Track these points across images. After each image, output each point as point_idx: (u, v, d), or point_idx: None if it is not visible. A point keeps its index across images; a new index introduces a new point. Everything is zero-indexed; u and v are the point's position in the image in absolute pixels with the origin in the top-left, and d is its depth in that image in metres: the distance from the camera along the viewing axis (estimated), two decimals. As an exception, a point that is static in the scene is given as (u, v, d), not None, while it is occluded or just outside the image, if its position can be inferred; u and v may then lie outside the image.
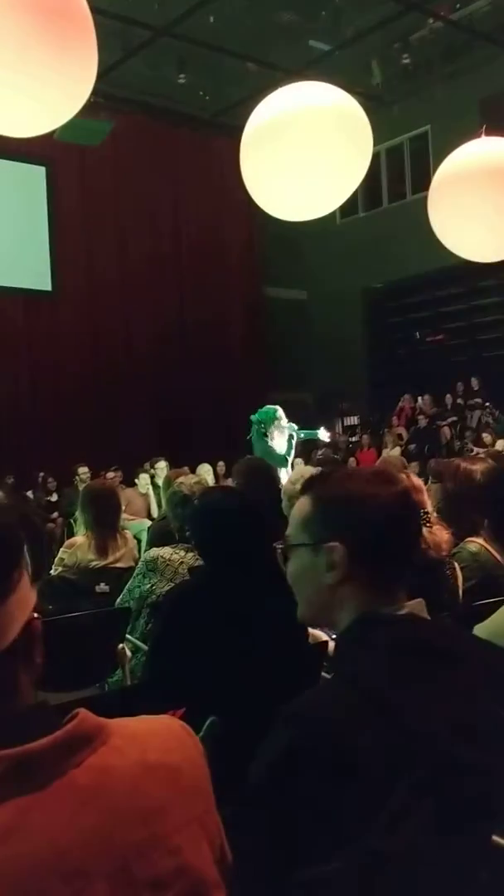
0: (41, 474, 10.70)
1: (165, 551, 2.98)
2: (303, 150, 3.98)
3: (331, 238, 13.19)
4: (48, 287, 12.42)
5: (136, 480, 9.56)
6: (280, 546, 1.34)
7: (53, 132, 3.79)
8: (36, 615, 0.87)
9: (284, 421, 6.15)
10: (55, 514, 9.76)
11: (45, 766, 0.80)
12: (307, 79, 4.51)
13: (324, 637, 2.39)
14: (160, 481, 9.31)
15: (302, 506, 1.27)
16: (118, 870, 0.80)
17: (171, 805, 0.86)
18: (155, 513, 8.70)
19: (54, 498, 10.40)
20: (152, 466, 9.60)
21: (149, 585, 2.98)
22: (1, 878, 0.75)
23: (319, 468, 2.18)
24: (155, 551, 3.03)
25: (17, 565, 0.84)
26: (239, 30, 10.64)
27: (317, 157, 4.00)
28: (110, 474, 9.85)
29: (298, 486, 1.39)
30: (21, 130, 3.66)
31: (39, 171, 12.24)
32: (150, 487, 9.46)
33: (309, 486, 1.28)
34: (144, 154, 12.85)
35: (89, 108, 3.64)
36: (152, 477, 9.42)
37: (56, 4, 3.24)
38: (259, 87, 5.77)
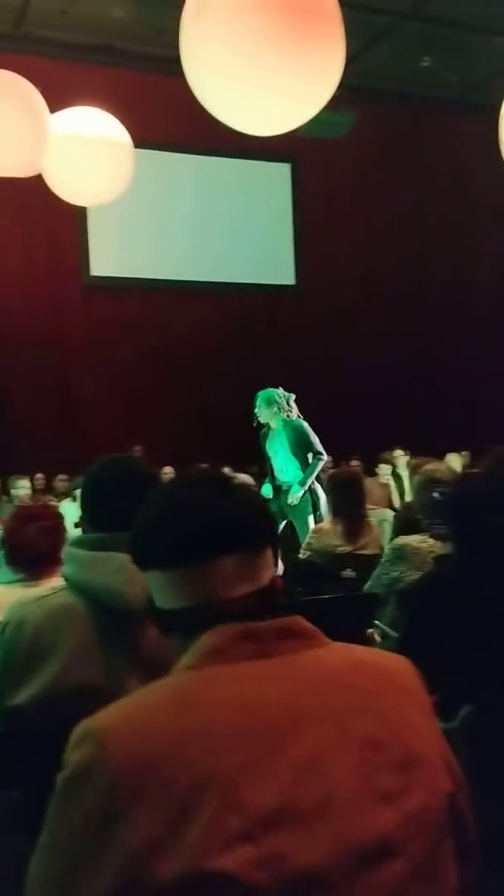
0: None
1: (413, 539, 2.97)
2: None
3: None
4: (292, 282, 12.72)
5: (377, 470, 9.56)
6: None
7: (298, 129, 3.87)
8: (279, 576, 1.12)
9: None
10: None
11: (268, 639, 1.00)
12: None
13: None
14: (401, 471, 9.26)
15: None
16: (337, 724, 0.94)
17: (385, 692, 1.00)
18: (397, 503, 8.66)
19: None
20: (392, 455, 9.56)
21: (397, 573, 2.99)
22: (237, 712, 0.92)
23: None
24: (403, 539, 3.04)
25: (272, 527, 1.14)
26: (481, 4, 10.25)
27: None
28: (354, 462, 9.93)
29: None
30: (269, 129, 3.78)
31: (284, 169, 12.56)
32: (391, 477, 9.42)
33: None
34: (388, 143, 12.76)
35: (332, 101, 3.67)
36: (394, 467, 9.37)
37: (305, 2, 3.30)
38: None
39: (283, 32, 3.19)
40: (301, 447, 6.11)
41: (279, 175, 12.60)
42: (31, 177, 5.05)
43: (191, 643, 1.03)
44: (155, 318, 11.48)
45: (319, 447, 6.13)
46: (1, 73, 4.67)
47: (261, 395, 6.37)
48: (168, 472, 8.84)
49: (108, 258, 11.56)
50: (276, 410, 6.20)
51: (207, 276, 11.89)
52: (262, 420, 6.30)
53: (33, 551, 2.50)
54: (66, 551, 1.88)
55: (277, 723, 0.92)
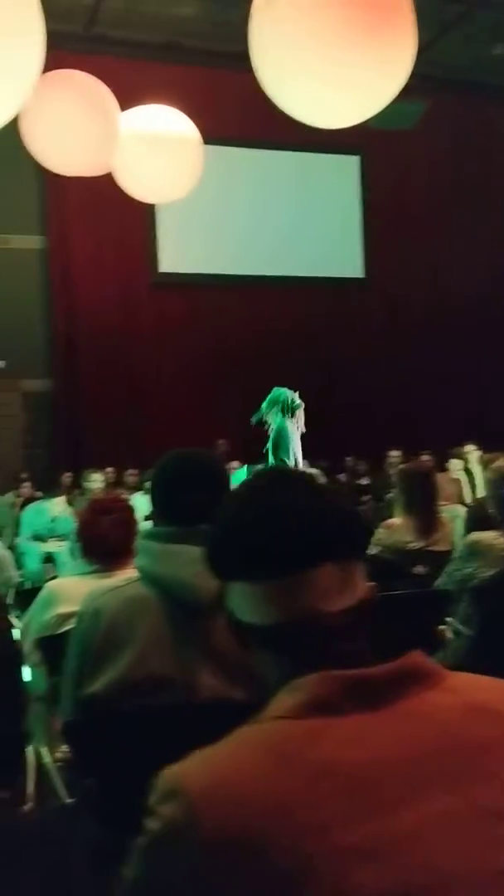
0: (349, 458, 10.95)
1: (488, 535, 2.92)
2: None
3: None
4: (360, 274, 12.63)
5: (447, 465, 9.43)
6: None
7: (368, 120, 3.83)
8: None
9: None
10: (366, 497, 9.94)
11: (380, 690, 0.90)
12: None
13: None
14: (473, 467, 9.12)
15: None
16: (456, 791, 0.84)
17: (499, 746, 0.89)
18: (468, 499, 8.53)
19: (364, 481, 10.59)
20: (463, 451, 9.41)
21: (470, 570, 2.94)
22: (344, 778, 0.83)
23: None
24: (477, 535, 2.99)
25: (367, 530, 1.00)
26: None
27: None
28: (425, 457, 9.82)
29: None
30: (338, 122, 3.75)
31: (352, 161, 12.47)
32: (463, 473, 9.28)
33: None
34: (459, 132, 12.56)
35: (402, 91, 3.63)
36: (465, 462, 9.23)
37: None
38: None
39: (353, 25, 3.16)
40: (274, 449, 5.93)
41: (347, 167, 12.52)
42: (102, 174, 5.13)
43: (284, 667, 0.94)
44: (223, 313, 11.55)
45: (289, 455, 5.84)
46: (73, 73, 4.75)
47: (271, 393, 6.22)
48: (235, 466, 8.88)
49: (176, 254, 11.68)
50: (276, 411, 6.05)
51: (274, 270, 11.90)
52: (265, 418, 6.15)
53: (108, 543, 2.55)
54: (140, 543, 1.91)
55: (389, 792, 0.83)
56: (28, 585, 6.36)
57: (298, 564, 0.94)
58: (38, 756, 2.01)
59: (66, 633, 2.17)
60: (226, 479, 2.06)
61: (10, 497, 9.01)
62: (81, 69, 4.90)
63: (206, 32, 10.38)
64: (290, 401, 6.07)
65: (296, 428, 5.97)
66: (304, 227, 12.09)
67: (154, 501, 1.97)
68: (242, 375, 11.42)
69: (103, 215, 10.92)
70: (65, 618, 2.56)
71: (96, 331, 11.20)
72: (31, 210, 11.16)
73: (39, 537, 7.53)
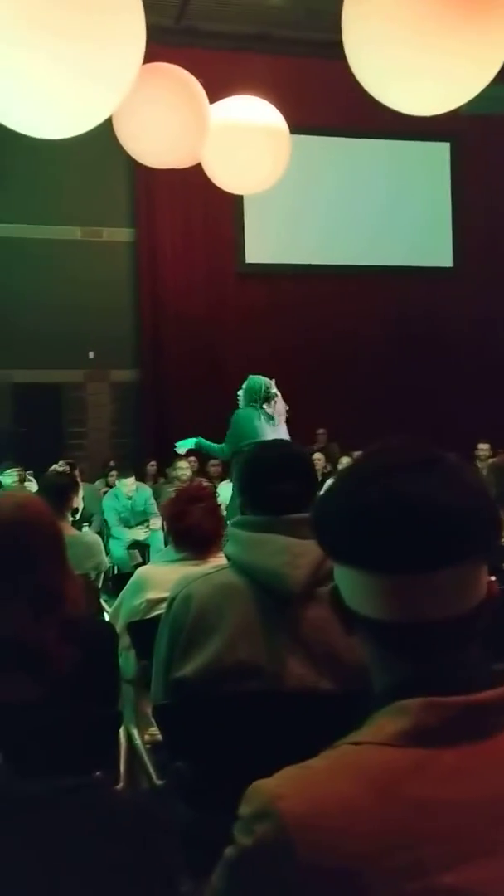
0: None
1: None
2: None
3: None
4: (449, 264, 12.40)
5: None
6: None
7: (460, 106, 3.75)
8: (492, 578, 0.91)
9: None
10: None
11: (490, 717, 0.84)
12: None
13: None
14: None
15: None
16: None
17: None
18: None
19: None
20: None
21: None
22: (445, 818, 0.80)
23: None
24: None
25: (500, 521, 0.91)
26: None
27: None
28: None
29: None
30: (432, 109, 3.69)
31: (443, 147, 12.23)
32: None
33: None
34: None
35: (496, 76, 3.54)
36: None
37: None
38: None
39: (448, 11, 3.11)
40: (228, 434, 5.78)
41: (437, 154, 12.28)
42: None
43: (388, 664, 0.90)
44: (309, 303, 11.50)
45: (231, 444, 5.67)
46: (164, 66, 4.80)
47: (247, 381, 5.96)
48: (318, 458, 8.86)
49: (262, 245, 11.68)
50: (242, 396, 5.83)
51: (362, 259, 11.78)
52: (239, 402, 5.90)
53: (201, 531, 2.59)
54: (229, 532, 1.93)
55: (491, 833, 0.80)
56: (116, 571, 6.52)
57: (418, 567, 0.85)
58: (129, 737, 2.06)
59: (156, 618, 2.22)
60: (313, 468, 2.06)
61: (98, 485, 9.22)
62: (172, 62, 4.95)
63: (296, 22, 10.33)
64: (263, 389, 5.83)
65: (268, 417, 5.74)
66: (393, 215, 11.92)
67: (242, 491, 1.99)
68: (329, 366, 11.37)
69: (191, 206, 11.01)
70: (154, 603, 2.62)
71: (182, 321, 11.32)
72: (121, 202, 11.34)
73: (126, 522, 7.70)
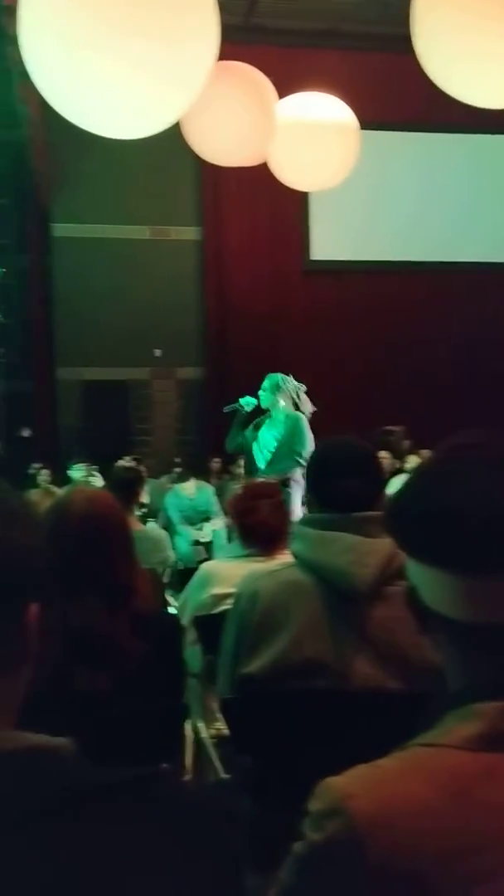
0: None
1: None
2: None
3: None
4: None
5: None
6: None
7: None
8: None
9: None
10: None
11: None
12: None
13: None
14: None
15: None
16: None
17: None
18: None
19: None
20: None
21: None
22: (483, 822, 0.80)
23: None
24: None
25: None
26: None
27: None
28: None
29: None
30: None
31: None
32: None
33: None
34: None
35: None
36: None
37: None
38: None
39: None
40: (289, 443, 5.46)
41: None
42: (257, 162, 5.17)
43: (463, 667, 0.89)
44: (378, 300, 11.37)
45: (305, 452, 5.27)
46: (232, 64, 4.81)
47: (269, 379, 5.74)
48: (384, 456, 8.76)
49: (328, 241, 11.61)
50: (280, 398, 5.58)
51: (437, 255, 11.56)
52: (263, 405, 5.69)
53: (268, 528, 2.59)
54: (296, 529, 1.93)
55: None
56: (180, 566, 6.57)
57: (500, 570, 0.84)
58: (196, 731, 2.08)
59: (222, 613, 2.24)
60: (380, 466, 2.05)
61: (164, 481, 9.31)
62: (240, 60, 4.97)
63: (365, 16, 10.25)
64: (293, 387, 5.61)
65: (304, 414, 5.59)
66: (468, 210, 11.70)
67: (309, 488, 1.99)
68: (398, 363, 11.23)
69: (257, 204, 11.01)
70: (220, 598, 2.63)
71: (248, 319, 11.33)
72: (188, 201, 11.42)
73: (189, 520, 7.77)
